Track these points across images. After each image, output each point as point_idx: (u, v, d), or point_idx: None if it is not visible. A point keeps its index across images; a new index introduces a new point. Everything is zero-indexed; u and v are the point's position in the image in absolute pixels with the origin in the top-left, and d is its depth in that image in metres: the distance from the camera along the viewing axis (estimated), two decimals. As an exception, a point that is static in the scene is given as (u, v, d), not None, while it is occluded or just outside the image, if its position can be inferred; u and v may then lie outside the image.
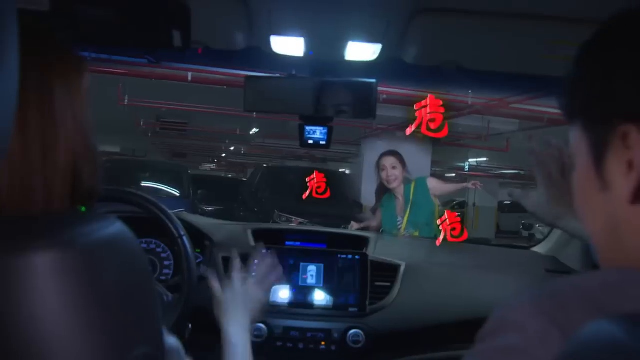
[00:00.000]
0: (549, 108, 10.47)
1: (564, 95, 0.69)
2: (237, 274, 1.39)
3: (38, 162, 0.72)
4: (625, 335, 0.42)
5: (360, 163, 15.04)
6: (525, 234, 19.33)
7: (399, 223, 4.10)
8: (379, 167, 4.10)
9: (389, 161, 4.04)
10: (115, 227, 0.69)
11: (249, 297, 1.37)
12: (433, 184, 4.23)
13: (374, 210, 4.42)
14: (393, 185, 4.04)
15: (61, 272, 0.57)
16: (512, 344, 0.56)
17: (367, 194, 13.05)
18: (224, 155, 26.41)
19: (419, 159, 14.19)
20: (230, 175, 29.14)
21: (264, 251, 1.47)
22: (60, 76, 0.76)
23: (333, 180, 12.07)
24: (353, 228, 3.95)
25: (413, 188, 4.10)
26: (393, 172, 4.02)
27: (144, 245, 1.96)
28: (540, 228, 16.45)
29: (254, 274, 1.41)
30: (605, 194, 0.62)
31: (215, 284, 1.38)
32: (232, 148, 22.55)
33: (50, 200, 0.72)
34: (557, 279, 0.59)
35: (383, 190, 4.20)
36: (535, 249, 2.38)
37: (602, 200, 0.63)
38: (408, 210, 4.06)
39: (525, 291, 0.59)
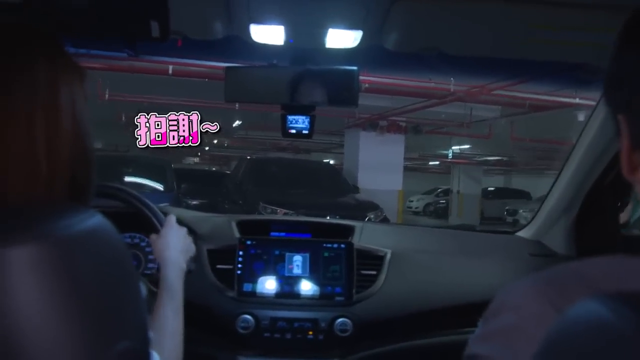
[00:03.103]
0: (530, 94, 10.55)
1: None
2: (173, 221, 1.51)
3: (43, 154, 0.75)
4: (611, 313, 0.42)
5: (350, 152, 15.12)
6: (509, 219, 19.50)
7: None
8: None
9: None
10: (95, 220, 0.68)
11: (183, 242, 1.47)
12: None
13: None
14: None
15: (37, 265, 0.56)
16: (510, 324, 0.57)
17: (362, 178, 13.28)
18: (207, 148, 26.32)
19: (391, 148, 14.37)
20: (214, 169, 29.07)
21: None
22: (65, 79, 0.81)
23: (318, 170, 12.17)
24: None
25: None
26: None
27: (128, 240, 1.95)
28: (524, 213, 16.60)
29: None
30: None
31: (152, 235, 1.50)
32: (215, 141, 22.47)
33: (52, 193, 0.76)
34: (560, 265, 0.59)
35: None
36: (519, 233, 2.39)
37: None
38: None
39: (528, 276, 0.60)
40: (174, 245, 1.42)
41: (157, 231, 1.64)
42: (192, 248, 1.51)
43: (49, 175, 0.75)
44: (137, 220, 1.64)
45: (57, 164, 0.77)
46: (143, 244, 1.95)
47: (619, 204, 2.06)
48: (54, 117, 0.77)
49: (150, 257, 1.92)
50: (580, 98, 10.03)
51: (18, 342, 0.55)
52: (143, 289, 1.17)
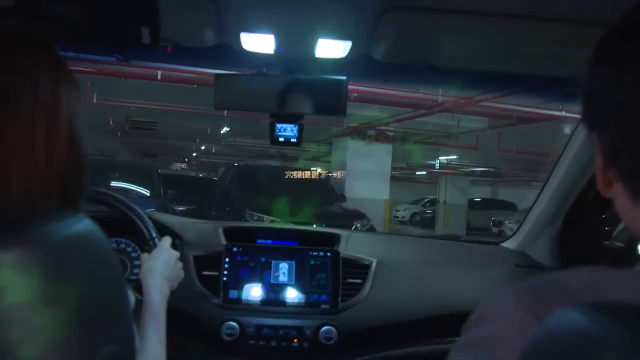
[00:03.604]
0: (518, 106, 10.62)
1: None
2: (167, 244, 1.50)
3: (42, 158, 0.76)
4: (590, 323, 0.43)
5: (339, 161, 15.12)
6: (495, 230, 19.58)
7: None
8: None
9: None
10: (83, 224, 0.68)
11: (172, 268, 1.45)
12: None
13: None
14: None
15: (25, 268, 0.57)
16: (491, 332, 0.58)
17: (350, 187, 13.29)
18: (194, 154, 26.27)
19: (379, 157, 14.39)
20: (201, 175, 29.00)
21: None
22: (65, 85, 0.82)
23: (305, 178, 12.17)
24: None
25: None
26: None
27: (115, 245, 1.94)
28: (510, 224, 16.67)
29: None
30: None
31: (143, 253, 1.51)
32: (202, 147, 22.44)
33: (48, 196, 0.77)
34: (540, 275, 0.60)
35: None
36: (505, 244, 2.41)
37: None
38: None
39: (508, 285, 0.61)
40: (162, 271, 1.40)
41: (145, 238, 1.64)
42: (181, 274, 1.49)
43: (47, 179, 0.76)
44: (124, 225, 1.64)
45: (55, 168, 0.77)
46: (129, 249, 1.95)
47: (603, 216, 2.08)
48: (53, 122, 0.78)
49: (137, 262, 1.92)
50: (566, 111, 10.12)
51: (3, 347, 0.55)
52: (131, 296, 1.16)
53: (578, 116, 2.21)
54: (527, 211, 2.34)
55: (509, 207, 22.97)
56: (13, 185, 0.72)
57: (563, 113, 10.28)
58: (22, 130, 0.74)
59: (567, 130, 10.33)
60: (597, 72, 0.63)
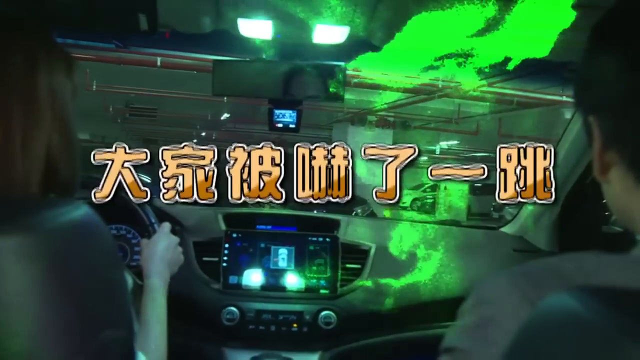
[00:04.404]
0: (518, 91, 10.57)
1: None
2: (166, 229, 1.51)
3: (19, 149, 0.73)
4: (580, 305, 0.43)
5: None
6: (495, 215, 19.55)
7: None
8: None
9: None
10: (81, 211, 0.69)
11: (171, 253, 1.46)
12: None
13: None
14: None
15: (25, 255, 0.57)
16: (486, 317, 0.59)
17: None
18: (195, 141, 26.20)
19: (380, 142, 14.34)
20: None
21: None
22: (45, 69, 0.78)
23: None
24: None
25: None
26: None
27: (114, 231, 1.95)
28: (510, 209, 16.65)
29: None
30: None
31: (143, 239, 1.52)
32: (203, 133, 22.39)
33: (28, 187, 0.73)
34: (535, 260, 0.60)
35: None
36: (504, 229, 2.41)
37: None
38: None
39: (504, 270, 0.61)
40: (162, 256, 1.42)
41: (144, 224, 1.64)
42: (181, 259, 1.50)
43: (25, 167, 0.73)
44: (124, 212, 1.65)
45: (33, 155, 0.75)
46: (129, 235, 1.95)
47: (601, 201, 2.08)
48: (32, 109, 0.75)
49: (137, 248, 1.92)
50: (567, 96, 10.09)
51: (5, 330, 0.55)
52: (129, 280, 1.17)
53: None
54: (527, 196, 2.34)
55: (510, 192, 22.88)
56: None
57: (564, 98, 10.25)
58: None
59: (568, 115, 10.31)
60: (597, 56, 0.62)
